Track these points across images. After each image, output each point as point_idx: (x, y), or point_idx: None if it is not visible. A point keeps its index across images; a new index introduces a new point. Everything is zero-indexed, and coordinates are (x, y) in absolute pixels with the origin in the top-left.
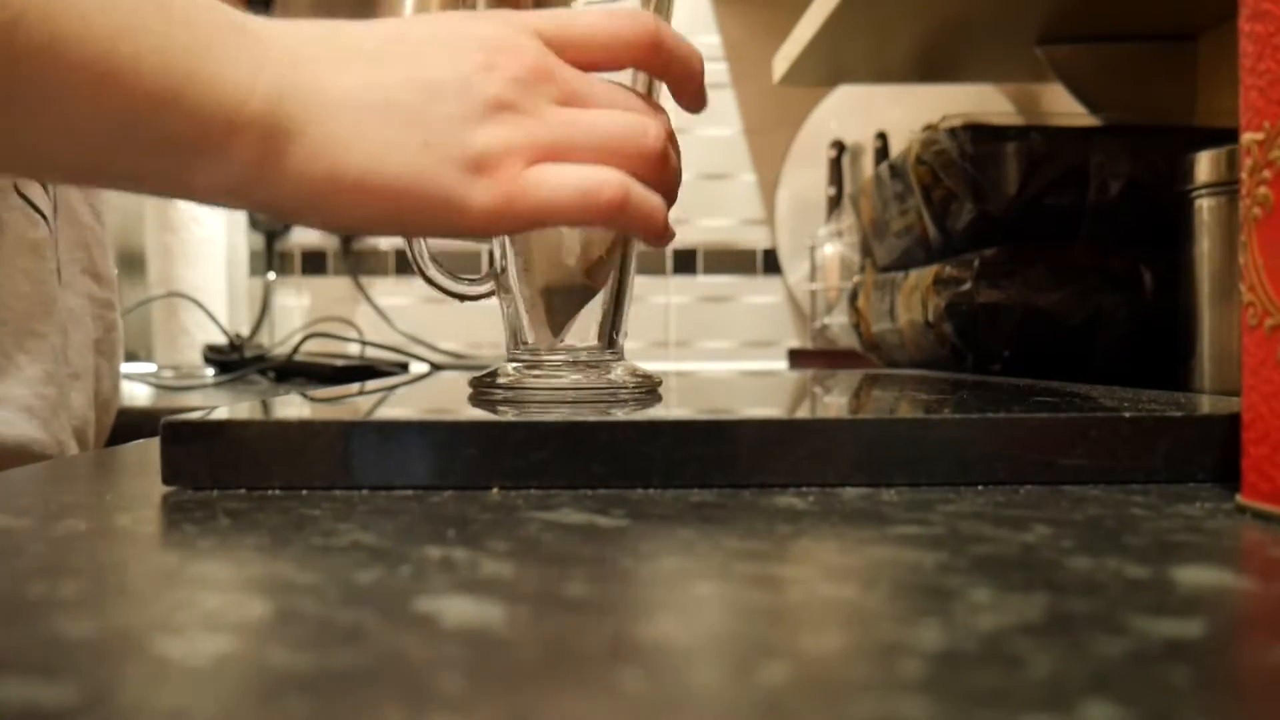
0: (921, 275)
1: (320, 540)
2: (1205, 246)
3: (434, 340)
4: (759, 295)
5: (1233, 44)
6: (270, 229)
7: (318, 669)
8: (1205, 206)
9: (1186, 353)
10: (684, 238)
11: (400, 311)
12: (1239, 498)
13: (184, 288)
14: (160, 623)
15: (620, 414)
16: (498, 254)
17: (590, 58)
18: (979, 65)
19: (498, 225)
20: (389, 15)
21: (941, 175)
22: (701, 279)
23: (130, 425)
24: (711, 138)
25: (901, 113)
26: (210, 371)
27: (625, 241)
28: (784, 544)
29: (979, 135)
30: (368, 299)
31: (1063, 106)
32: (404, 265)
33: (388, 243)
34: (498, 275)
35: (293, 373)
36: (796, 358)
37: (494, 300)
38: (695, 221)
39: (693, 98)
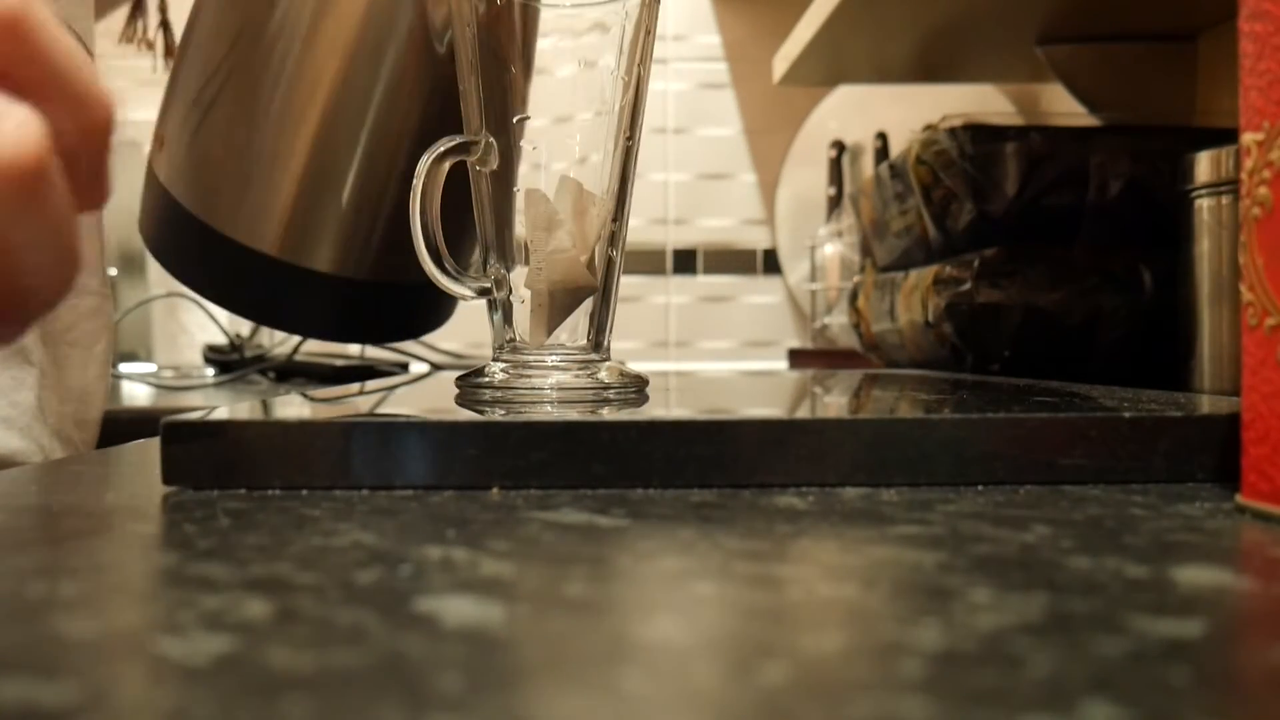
0: (921, 275)
1: (320, 540)
2: (1205, 246)
3: (434, 340)
4: (759, 295)
5: (1233, 44)
6: None
7: (318, 669)
8: (1205, 206)
9: (1186, 353)
10: (684, 238)
11: None
12: (1239, 498)
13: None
14: (160, 623)
15: (621, 414)
16: (498, 254)
17: None
18: (979, 65)
19: None
20: None
21: (941, 175)
22: (701, 279)
23: (130, 425)
24: (711, 138)
25: (901, 113)
26: (210, 371)
27: (613, 239)
28: (784, 544)
29: (979, 135)
30: None
31: (1063, 106)
32: None
33: None
34: (500, 274)
35: (293, 373)
36: (796, 358)
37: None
38: (695, 221)
39: (84, 136)
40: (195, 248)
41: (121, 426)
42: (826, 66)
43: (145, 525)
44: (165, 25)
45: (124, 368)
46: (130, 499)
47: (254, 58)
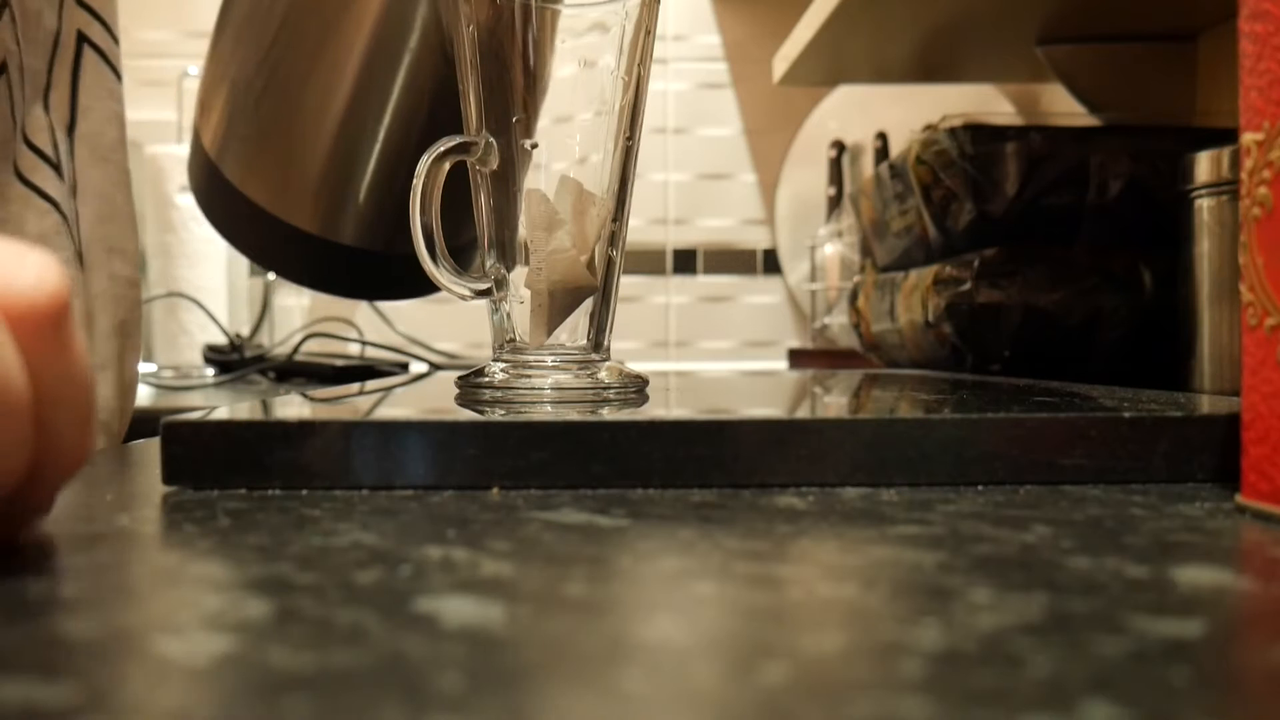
0: (921, 275)
1: (320, 540)
2: (1205, 246)
3: (433, 341)
4: (759, 295)
5: (1233, 44)
6: None
7: (318, 669)
8: (1205, 206)
9: (1186, 353)
10: (684, 238)
11: (400, 312)
12: (1239, 498)
13: (184, 288)
14: (160, 623)
15: (621, 414)
16: (496, 254)
17: None
18: (979, 65)
19: None
20: None
21: (941, 175)
22: (701, 279)
23: (130, 425)
24: (711, 138)
25: (901, 113)
26: (210, 371)
27: (613, 239)
28: (784, 544)
29: (979, 135)
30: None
31: (1063, 106)
32: None
33: None
34: (500, 274)
35: (293, 373)
36: (796, 358)
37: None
38: (695, 221)
39: None
40: (238, 212)
41: None
42: (826, 66)
43: (145, 525)
44: None
45: None
46: (130, 499)
47: (297, 52)
